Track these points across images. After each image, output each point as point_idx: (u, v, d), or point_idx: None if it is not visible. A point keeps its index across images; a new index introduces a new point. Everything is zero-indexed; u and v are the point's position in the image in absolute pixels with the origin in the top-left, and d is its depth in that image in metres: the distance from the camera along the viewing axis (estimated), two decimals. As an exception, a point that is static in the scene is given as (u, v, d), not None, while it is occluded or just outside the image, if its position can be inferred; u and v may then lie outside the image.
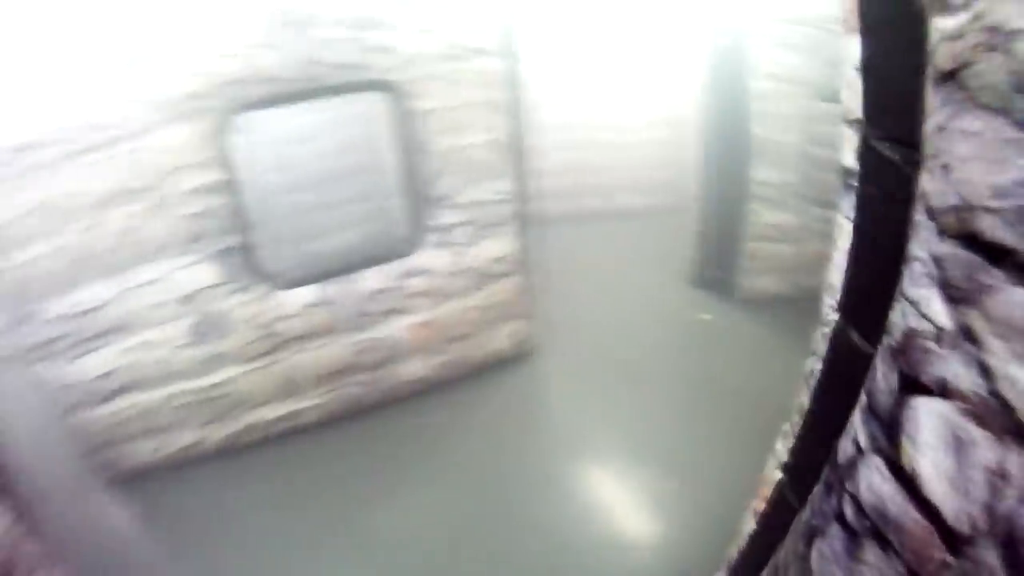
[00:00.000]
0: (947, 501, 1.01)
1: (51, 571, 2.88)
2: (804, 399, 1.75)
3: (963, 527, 0.98)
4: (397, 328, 5.12)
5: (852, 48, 1.31)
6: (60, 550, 3.04)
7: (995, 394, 0.90)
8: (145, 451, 5.00)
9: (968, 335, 0.96)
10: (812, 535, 1.60)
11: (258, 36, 4.15)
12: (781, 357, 4.65)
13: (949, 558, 1.02)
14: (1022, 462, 0.86)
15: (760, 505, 2.14)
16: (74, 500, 3.57)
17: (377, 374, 5.21)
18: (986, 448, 0.94)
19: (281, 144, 4.83)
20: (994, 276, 0.89)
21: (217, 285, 4.64)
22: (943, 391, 1.03)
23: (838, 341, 1.54)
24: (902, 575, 1.17)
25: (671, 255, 6.97)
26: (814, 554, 1.58)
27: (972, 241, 0.93)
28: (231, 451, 5.09)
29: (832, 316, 1.55)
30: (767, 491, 2.09)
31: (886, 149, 1.24)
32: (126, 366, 4.71)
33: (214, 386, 4.90)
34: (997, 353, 0.89)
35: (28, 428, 3.48)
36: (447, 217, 4.97)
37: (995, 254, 0.88)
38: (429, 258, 5.00)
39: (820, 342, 1.65)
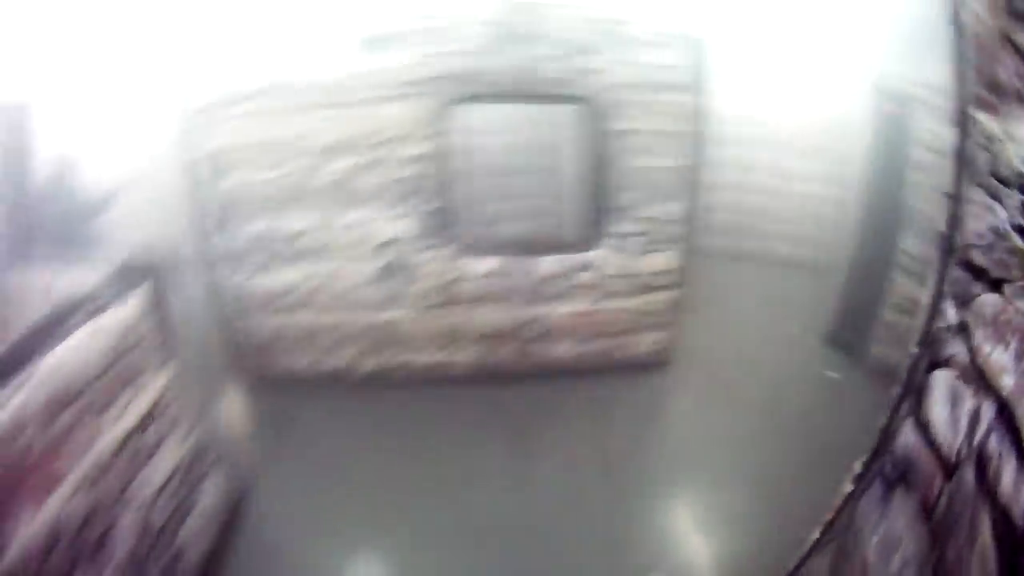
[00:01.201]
0: (945, 439, 1.47)
1: (189, 435, 3.64)
2: (883, 419, 2.06)
3: (953, 456, 1.42)
4: (559, 312, 5.64)
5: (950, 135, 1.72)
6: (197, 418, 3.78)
7: (975, 363, 1.38)
8: (299, 364, 5.67)
9: (963, 326, 1.46)
10: (862, 492, 2.01)
11: (486, 43, 4.85)
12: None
13: (944, 483, 1.44)
14: (989, 407, 1.30)
15: (828, 515, 2.43)
16: (208, 387, 4.09)
17: (529, 347, 5.73)
18: (968, 399, 1.40)
19: (484, 135, 5.49)
20: (977, 287, 1.41)
21: (413, 239, 5.27)
22: (948, 363, 1.53)
23: (914, 365, 1.90)
24: (915, 509, 1.58)
25: (813, 309, 7.17)
26: (860, 505, 2.00)
27: (967, 266, 1.46)
28: (374, 384, 5.69)
29: (913, 349, 1.91)
30: (837, 502, 2.36)
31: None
32: (309, 288, 5.38)
33: (384, 323, 5.52)
34: (977, 336, 1.39)
35: (194, 318, 4.01)
36: (625, 227, 5.47)
37: (977, 273, 1.42)
38: (602, 258, 5.50)
39: (902, 371, 1.99)
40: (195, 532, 3.52)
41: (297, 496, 4.31)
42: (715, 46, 5.58)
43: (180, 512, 3.36)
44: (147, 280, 3.46)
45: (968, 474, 1.31)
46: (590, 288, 5.57)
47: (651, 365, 6.01)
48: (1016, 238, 1.19)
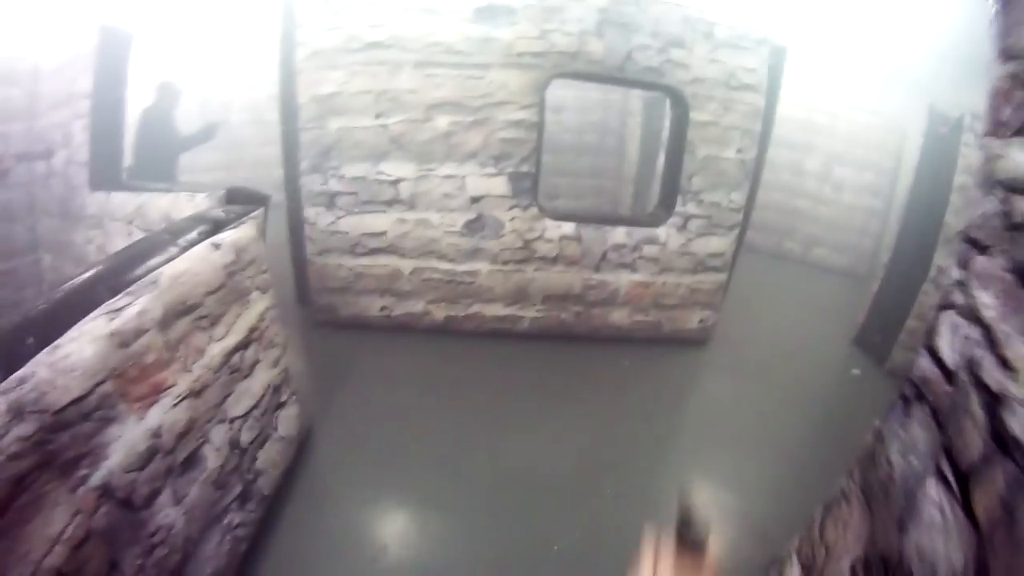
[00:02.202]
0: (948, 356, 1.82)
1: (277, 363, 3.39)
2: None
3: (952, 366, 1.78)
4: (622, 280, 5.61)
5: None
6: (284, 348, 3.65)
7: (970, 302, 1.75)
8: (374, 307, 5.54)
9: (964, 280, 1.83)
10: (887, 414, 2.18)
11: (591, 26, 4.82)
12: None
13: (948, 389, 1.78)
14: (977, 332, 1.67)
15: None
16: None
17: (590, 311, 5.74)
18: (964, 326, 1.77)
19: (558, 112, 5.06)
20: (973, 252, 1.78)
21: (504, 197, 5.21)
22: (952, 307, 1.89)
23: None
24: (928, 414, 1.86)
25: (844, 311, 7.23)
26: (885, 426, 2.17)
27: (968, 239, 1.82)
28: (441, 332, 5.62)
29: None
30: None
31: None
32: (399, 234, 5.26)
33: (465, 273, 5.45)
34: (972, 285, 1.76)
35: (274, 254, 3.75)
36: (691, 208, 5.47)
37: (973, 243, 1.79)
38: (667, 234, 5.52)
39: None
40: (271, 458, 3.41)
41: (354, 438, 4.19)
42: (791, 54, 5.62)
43: (261, 437, 3.26)
44: (259, 207, 3.32)
45: (964, 376, 1.68)
46: (653, 261, 5.66)
47: (695, 341, 6.07)
48: (998, 220, 1.64)
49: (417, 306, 5.58)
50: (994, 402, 1.42)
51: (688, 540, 1.08)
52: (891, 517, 1.77)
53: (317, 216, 5.20)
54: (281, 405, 3.53)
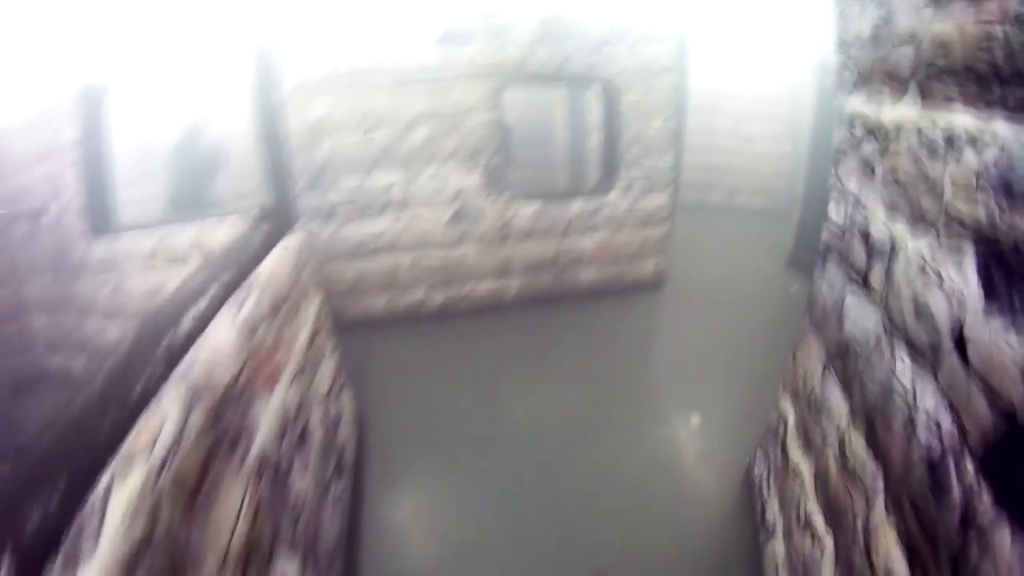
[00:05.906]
0: (838, 220, 2.50)
1: (335, 348, 3.47)
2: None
3: (841, 224, 2.46)
4: (586, 242, 6.22)
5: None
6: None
7: (843, 187, 2.46)
8: (379, 303, 5.88)
9: (838, 176, 2.55)
10: (814, 271, 2.83)
11: (536, 38, 5.32)
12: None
13: (842, 236, 2.45)
14: (851, 202, 2.36)
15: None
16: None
17: (564, 272, 6.32)
18: (843, 201, 2.46)
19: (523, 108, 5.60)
20: (839, 158, 2.52)
21: (478, 189, 5.70)
22: (834, 191, 2.59)
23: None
24: (837, 259, 2.49)
25: (774, 243, 7.77)
26: (815, 276, 2.74)
27: (836, 151, 2.59)
28: (440, 316, 5.95)
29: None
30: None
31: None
32: (394, 233, 5.63)
33: (454, 258, 5.92)
34: (842, 177, 2.48)
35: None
36: (632, 173, 6.11)
37: (840, 152, 2.55)
38: (616, 198, 6.17)
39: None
40: (348, 434, 3.60)
41: (397, 418, 4.20)
42: (694, 39, 6.16)
43: (337, 414, 3.40)
44: (292, 219, 3.36)
45: (848, 226, 2.34)
46: (608, 222, 6.28)
47: (653, 284, 6.71)
48: (849, 139, 2.39)
49: (417, 294, 5.90)
50: (865, 233, 2.20)
51: None
52: (833, 320, 2.48)
53: (319, 229, 5.39)
54: (342, 387, 3.67)
